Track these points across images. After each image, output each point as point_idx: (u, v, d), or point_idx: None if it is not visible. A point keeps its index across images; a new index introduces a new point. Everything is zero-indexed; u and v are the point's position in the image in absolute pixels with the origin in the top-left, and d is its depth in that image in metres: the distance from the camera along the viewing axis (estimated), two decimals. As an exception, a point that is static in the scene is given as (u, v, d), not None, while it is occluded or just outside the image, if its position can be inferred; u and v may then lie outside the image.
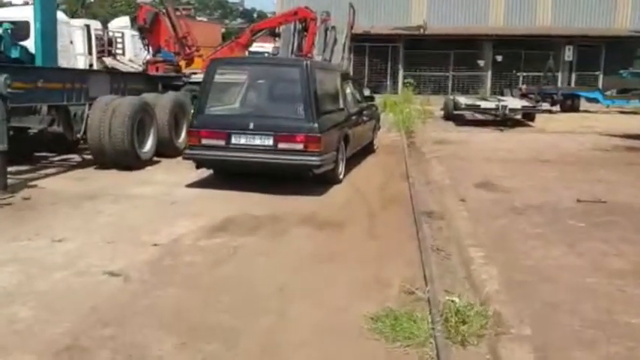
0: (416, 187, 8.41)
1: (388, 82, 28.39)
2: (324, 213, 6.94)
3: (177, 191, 7.85)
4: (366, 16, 27.29)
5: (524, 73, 27.68)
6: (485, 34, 27.60)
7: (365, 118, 10.37)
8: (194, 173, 8.44)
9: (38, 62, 10.71)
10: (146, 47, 20.36)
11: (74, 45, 20.15)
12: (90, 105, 9.25)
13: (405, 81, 26.54)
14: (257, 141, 7.71)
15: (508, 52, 27.78)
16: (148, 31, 20.00)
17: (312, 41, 20.19)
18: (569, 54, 28.03)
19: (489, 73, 28.50)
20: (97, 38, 23.00)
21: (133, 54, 24.52)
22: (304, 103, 7.65)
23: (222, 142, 7.79)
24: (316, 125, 7.57)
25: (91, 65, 21.51)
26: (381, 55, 28.35)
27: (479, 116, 18.89)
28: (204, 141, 7.86)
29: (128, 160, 9.15)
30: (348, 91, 9.97)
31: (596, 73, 28.44)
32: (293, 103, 7.82)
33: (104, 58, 23.29)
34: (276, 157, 7.61)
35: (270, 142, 7.67)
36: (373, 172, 9.81)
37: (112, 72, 10.79)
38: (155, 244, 5.55)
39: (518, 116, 18.29)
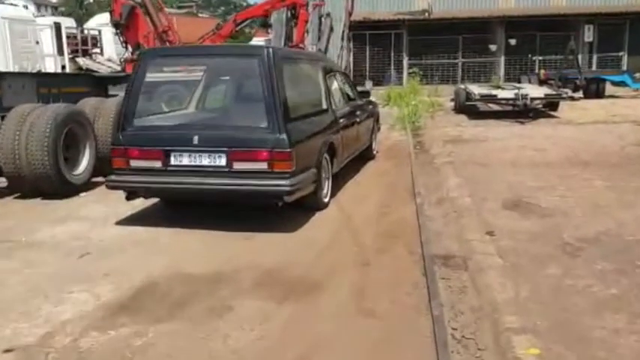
0: (425, 212, 6.30)
1: (392, 73, 26.12)
2: (295, 264, 4.85)
3: (100, 233, 5.77)
4: (366, 1, 25.10)
5: (541, 57, 25.33)
6: (496, 15, 25.26)
7: (359, 119, 8.24)
8: (138, 201, 6.37)
9: None
10: (123, 44, 18.44)
11: (41, 45, 18.19)
12: (3, 118, 7.19)
13: (411, 70, 24.33)
14: (205, 160, 5.62)
15: (522, 34, 25.41)
16: (124, 27, 18.06)
17: (303, 30, 18.07)
18: (588, 34, 25.62)
19: (502, 59, 26.15)
20: (68, 37, 21.07)
21: (115, 53, 22.58)
22: (267, 105, 5.54)
23: (157, 164, 5.71)
24: (284, 136, 5.47)
25: (63, 67, 19.53)
26: (383, 43, 26.05)
27: (495, 107, 16.67)
28: (133, 163, 5.78)
29: (53, 187, 7.10)
30: (335, 86, 7.86)
31: (620, 53, 25.99)
32: (252, 106, 5.75)
33: (78, 59, 21.33)
34: (232, 183, 5.52)
35: (222, 161, 5.58)
36: (370, 189, 7.69)
37: (40, 74, 8.70)
38: (8, 350, 3.47)
39: (540, 106, 16.05)
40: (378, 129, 10.45)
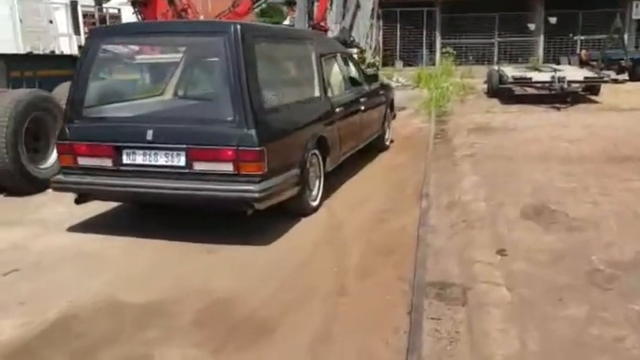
0: (429, 221, 5.32)
1: (424, 53, 24.82)
2: (254, 292, 3.95)
3: (44, 242, 4.96)
4: (396, -24, 23.79)
5: (582, 37, 23.69)
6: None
7: (364, 107, 7.25)
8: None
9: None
10: None
11: (55, 24, 17.57)
12: (-40, 104, 6.44)
13: (444, 50, 22.99)
14: (161, 159, 4.74)
15: (563, 12, 23.76)
16: (142, 5, 17.33)
17: (324, 7, 17.00)
18: (637, 11, 23.83)
19: (541, 38, 24.56)
20: (85, 16, 20.39)
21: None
22: (233, 94, 4.61)
23: (108, 163, 4.85)
24: (252, 132, 4.54)
25: (80, 47, 18.93)
26: (414, 21, 24.69)
27: (531, 90, 15.36)
28: (81, 161, 4.94)
29: (14, 183, 6.36)
30: (335, 70, 6.87)
31: (672, 32, 24.18)
32: (216, 95, 4.81)
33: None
34: (192, 187, 4.63)
35: (180, 160, 4.69)
36: (373, 188, 6.72)
37: (10, 55, 7.93)
38: None
39: (579, 90, 14.69)
40: (393, 116, 9.42)
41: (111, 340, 3.32)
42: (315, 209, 5.69)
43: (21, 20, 15.45)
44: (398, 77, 21.59)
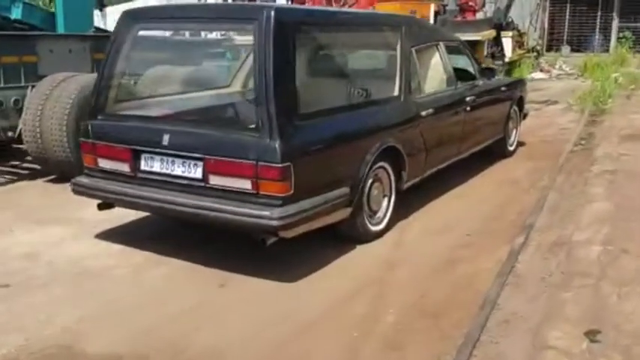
0: (516, 268, 4.07)
1: (597, 37, 21.88)
2: (238, 358, 3.08)
3: (61, 249, 4.46)
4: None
5: None
6: None
7: (470, 107, 5.97)
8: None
9: (60, 27, 8.00)
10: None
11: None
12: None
13: (620, 35, 20.08)
14: (178, 169, 4.00)
15: None
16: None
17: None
18: None
19: None
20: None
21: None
22: (258, 95, 3.72)
23: (126, 168, 4.21)
24: (277, 143, 3.62)
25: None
26: (587, 0, 21.84)
27: None
28: (101, 163, 4.35)
29: (76, 174, 6.00)
30: (432, 62, 5.67)
31: None
32: (244, 95, 3.94)
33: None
34: (206, 205, 3.83)
35: (197, 172, 3.91)
36: (467, 209, 5.48)
37: (95, 35, 7.55)
38: None
39: None
40: (523, 116, 7.91)
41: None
42: (379, 234, 4.66)
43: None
44: (561, 64, 19.25)
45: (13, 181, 6.47)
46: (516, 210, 5.38)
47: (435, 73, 5.67)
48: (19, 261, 4.28)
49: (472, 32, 13.65)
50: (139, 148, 4.13)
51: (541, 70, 18.30)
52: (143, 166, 4.14)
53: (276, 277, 3.94)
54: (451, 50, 5.99)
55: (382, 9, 12.05)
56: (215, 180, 3.84)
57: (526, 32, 19.55)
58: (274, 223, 3.62)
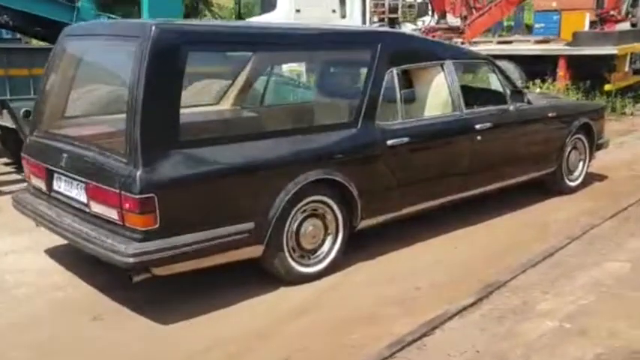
0: (425, 344, 3.36)
1: None
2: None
3: (6, 259, 4.55)
4: None
5: None
6: None
7: (479, 137, 5.08)
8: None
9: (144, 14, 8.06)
10: (430, 12, 17.12)
11: (337, 14, 17.71)
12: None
13: None
14: (73, 191, 3.87)
15: None
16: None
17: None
18: None
19: None
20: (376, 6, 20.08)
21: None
22: (128, 118, 3.44)
23: (44, 186, 4.17)
24: (138, 172, 3.32)
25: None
26: None
27: None
28: (32, 179, 4.36)
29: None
30: (428, 82, 4.93)
31: None
32: (126, 117, 3.62)
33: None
34: (82, 232, 3.65)
35: (82, 196, 3.75)
36: (444, 258, 4.66)
37: None
38: None
39: None
40: (597, 147, 6.66)
41: None
42: (316, 276, 4.15)
43: (298, 10, 16.12)
44: None
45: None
46: (505, 263, 4.46)
47: (432, 96, 4.94)
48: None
49: (610, 45, 11.99)
50: (50, 167, 4.05)
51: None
52: (55, 185, 4.05)
53: (156, 315, 3.62)
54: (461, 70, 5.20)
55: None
56: (94, 207, 3.64)
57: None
58: (128, 260, 3.32)
